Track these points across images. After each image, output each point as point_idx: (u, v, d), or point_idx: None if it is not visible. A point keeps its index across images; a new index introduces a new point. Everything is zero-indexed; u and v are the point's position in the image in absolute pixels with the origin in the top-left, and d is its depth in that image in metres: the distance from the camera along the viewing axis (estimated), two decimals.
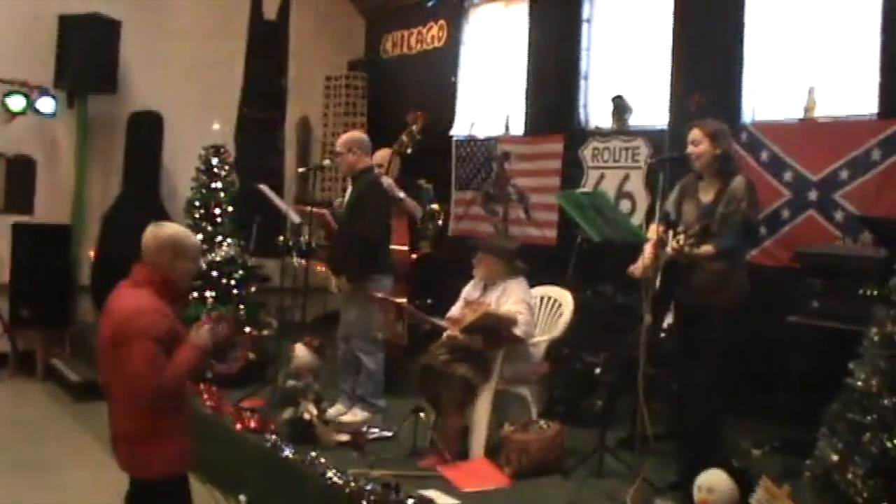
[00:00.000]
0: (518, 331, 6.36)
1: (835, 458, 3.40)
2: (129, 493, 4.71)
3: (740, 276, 5.81)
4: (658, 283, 5.84)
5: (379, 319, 6.95)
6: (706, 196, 5.87)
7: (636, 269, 6.05)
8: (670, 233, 5.90)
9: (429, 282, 9.41)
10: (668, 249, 5.65)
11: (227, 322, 5.03)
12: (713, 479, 4.82)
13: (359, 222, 7.31)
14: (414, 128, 8.54)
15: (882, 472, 3.27)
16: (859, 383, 3.47)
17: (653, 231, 6.07)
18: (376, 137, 8.19)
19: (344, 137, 7.66)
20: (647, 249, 6.03)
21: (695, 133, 5.87)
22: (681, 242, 5.48)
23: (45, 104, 10.89)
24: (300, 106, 13.14)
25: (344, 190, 7.96)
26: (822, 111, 7.69)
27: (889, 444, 3.24)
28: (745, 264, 5.98)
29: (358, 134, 7.80)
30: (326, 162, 7.95)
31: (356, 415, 7.41)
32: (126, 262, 10.45)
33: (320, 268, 8.51)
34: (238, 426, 6.96)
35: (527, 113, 10.62)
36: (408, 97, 11.56)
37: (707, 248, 5.52)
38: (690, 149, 5.88)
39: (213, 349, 4.70)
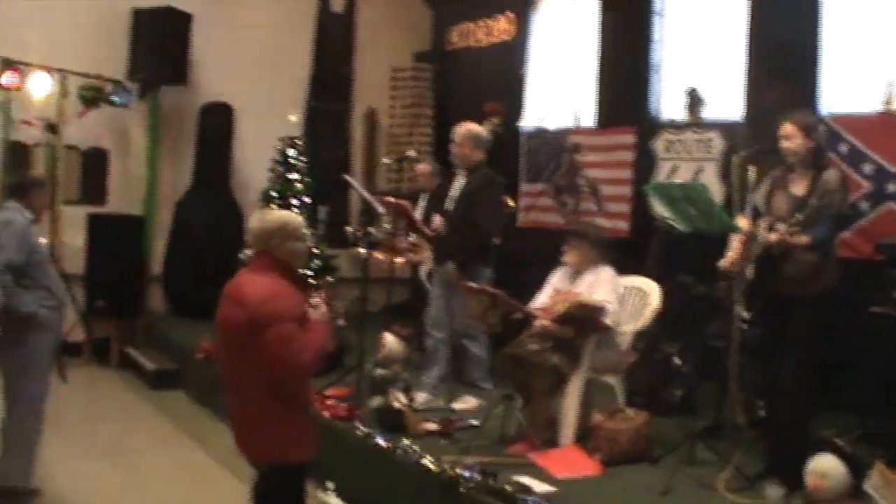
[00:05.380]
0: (607, 320, 6.42)
1: None
2: (259, 484, 4.72)
3: (831, 267, 5.82)
4: (750, 274, 5.89)
5: (471, 308, 7.01)
6: (798, 188, 5.87)
7: (726, 261, 6.10)
8: (761, 224, 5.94)
9: (499, 271, 9.47)
10: (771, 238, 5.68)
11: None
12: (826, 465, 4.82)
13: (476, 213, 7.47)
14: (495, 119, 8.56)
15: None
16: None
17: (744, 222, 6.09)
18: (444, 130, 8.23)
19: (460, 129, 7.81)
20: (735, 242, 6.06)
21: (787, 128, 5.85)
22: (783, 232, 5.52)
23: (118, 96, 11.02)
24: (367, 98, 13.20)
25: (438, 185, 8.03)
26: None
27: None
28: (835, 256, 6.00)
29: (477, 127, 7.92)
30: (411, 153, 8.02)
31: (467, 401, 7.57)
32: (197, 251, 10.66)
33: (381, 256, 8.62)
34: (326, 414, 7.04)
35: (598, 105, 10.60)
36: (475, 89, 11.62)
37: (803, 238, 5.55)
38: (784, 144, 5.86)
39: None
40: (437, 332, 7.82)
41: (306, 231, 4.82)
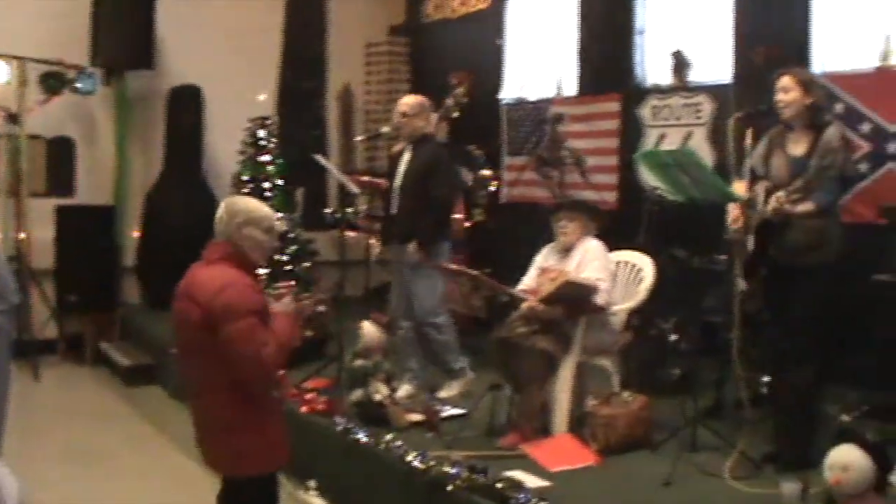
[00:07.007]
0: (600, 299, 6.03)
1: None
2: (224, 494, 4.42)
3: (838, 232, 5.47)
4: (751, 244, 5.55)
5: (453, 292, 6.62)
6: (797, 149, 5.51)
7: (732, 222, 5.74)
8: (760, 189, 5.59)
9: (484, 250, 9.12)
10: (768, 208, 5.32)
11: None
12: (847, 457, 4.37)
13: (431, 187, 7.03)
14: (459, 90, 8.16)
15: None
16: None
17: (740, 188, 5.72)
18: None
19: (412, 100, 7.32)
20: (733, 210, 5.71)
21: (785, 80, 5.50)
22: (781, 200, 5.17)
23: (83, 83, 10.61)
24: (341, 74, 12.75)
25: (393, 157, 7.57)
26: None
27: None
28: (840, 222, 5.64)
29: (423, 98, 7.46)
30: (385, 129, 7.63)
31: (451, 388, 7.18)
32: (171, 240, 10.32)
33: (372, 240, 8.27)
34: (304, 409, 6.67)
35: (579, 72, 10.21)
36: (453, 62, 11.17)
37: (807, 206, 5.22)
38: (780, 96, 5.51)
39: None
40: (405, 322, 7.32)
41: (272, 223, 4.42)
